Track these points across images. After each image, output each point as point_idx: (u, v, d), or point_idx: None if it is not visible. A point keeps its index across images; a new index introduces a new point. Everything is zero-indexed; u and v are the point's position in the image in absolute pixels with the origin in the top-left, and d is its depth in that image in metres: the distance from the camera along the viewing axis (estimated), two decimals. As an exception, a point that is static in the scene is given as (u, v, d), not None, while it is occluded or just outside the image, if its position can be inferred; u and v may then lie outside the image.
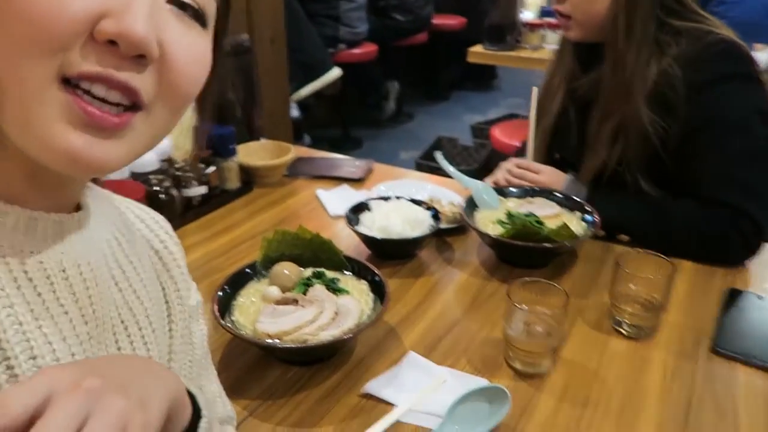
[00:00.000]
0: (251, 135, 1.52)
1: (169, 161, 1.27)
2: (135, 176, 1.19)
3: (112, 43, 0.36)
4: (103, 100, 0.38)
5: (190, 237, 1.20)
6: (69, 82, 0.37)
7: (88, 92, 0.37)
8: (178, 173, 1.25)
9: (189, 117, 1.41)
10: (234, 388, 0.79)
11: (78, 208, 0.49)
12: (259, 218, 1.29)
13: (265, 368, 0.83)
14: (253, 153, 1.44)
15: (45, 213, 0.43)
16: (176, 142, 1.30)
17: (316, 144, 3.38)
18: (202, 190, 1.27)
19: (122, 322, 0.50)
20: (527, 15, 2.71)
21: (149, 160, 1.21)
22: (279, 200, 1.37)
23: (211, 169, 1.31)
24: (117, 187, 1.07)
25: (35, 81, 0.36)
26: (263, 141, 1.54)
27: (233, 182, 1.35)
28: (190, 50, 0.42)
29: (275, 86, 1.99)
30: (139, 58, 0.38)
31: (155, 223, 0.61)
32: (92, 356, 0.45)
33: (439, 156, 1.24)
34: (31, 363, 0.41)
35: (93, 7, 0.36)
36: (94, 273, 0.47)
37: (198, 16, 0.43)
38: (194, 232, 1.23)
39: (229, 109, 1.46)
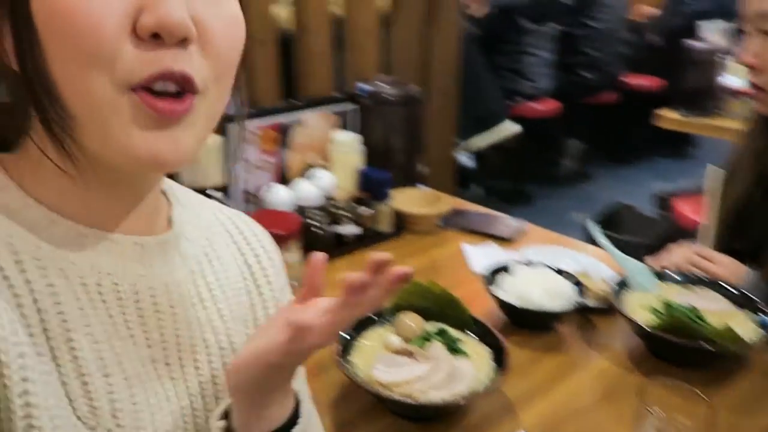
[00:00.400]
0: (411, 182, 1.57)
1: (330, 199, 1.36)
2: (298, 209, 1.30)
3: (155, 36, 0.38)
4: (162, 93, 0.39)
5: (338, 272, 1.26)
6: (133, 88, 0.39)
7: (148, 89, 0.39)
8: (335, 211, 1.33)
9: (354, 160, 1.50)
10: (342, 427, 0.81)
11: (168, 226, 0.51)
12: (404, 264, 1.31)
13: (376, 415, 0.84)
14: (410, 200, 1.48)
15: (125, 235, 0.46)
16: (340, 182, 1.39)
17: (485, 195, 3.37)
18: (355, 229, 1.34)
19: (204, 340, 0.51)
20: (731, 80, 2.45)
21: (314, 196, 1.31)
22: (426, 249, 1.39)
23: (367, 210, 1.38)
24: (277, 217, 1.18)
25: (102, 91, 0.38)
26: (422, 188, 1.58)
27: (385, 225, 1.40)
28: (223, 16, 0.42)
29: (442, 136, 2.04)
30: (183, 42, 0.39)
31: (253, 236, 0.61)
32: (155, 378, 0.47)
33: (592, 226, 1.17)
34: (104, 380, 0.43)
35: (128, 6, 0.37)
36: (170, 295, 0.48)
37: None
38: (342, 268, 1.28)
39: (391, 155, 1.53)
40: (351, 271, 1.44)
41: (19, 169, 0.43)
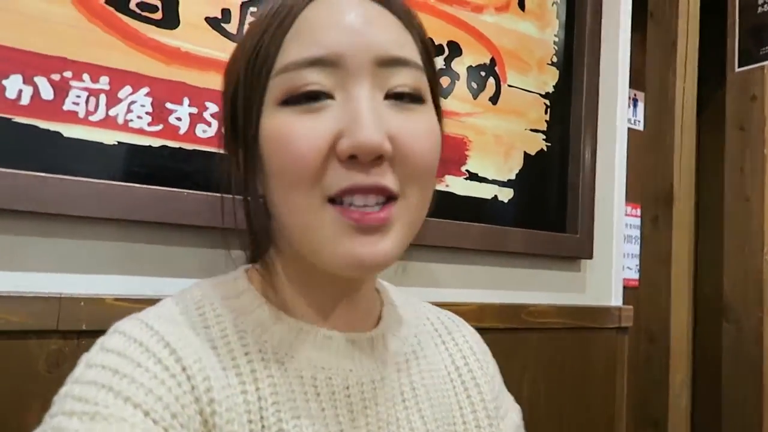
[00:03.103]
0: None
1: None
2: None
3: (352, 156, 0.43)
4: (365, 206, 0.44)
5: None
6: (334, 201, 0.44)
7: (351, 204, 0.44)
8: None
9: None
10: None
11: (378, 323, 0.54)
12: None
13: None
14: None
15: (339, 332, 0.50)
16: None
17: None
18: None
19: None
20: None
21: None
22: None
23: None
24: None
25: (308, 207, 0.44)
26: None
27: None
28: (416, 131, 0.46)
29: None
30: (378, 159, 0.43)
31: (462, 338, 0.61)
32: None
33: None
34: None
35: (329, 137, 0.43)
36: (376, 392, 0.50)
37: (414, 98, 0.46)
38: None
39: None
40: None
41: (257, 276, 0.52)
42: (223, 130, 0.53)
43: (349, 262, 0.44)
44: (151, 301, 0.66)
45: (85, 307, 0.63)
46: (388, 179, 0.44)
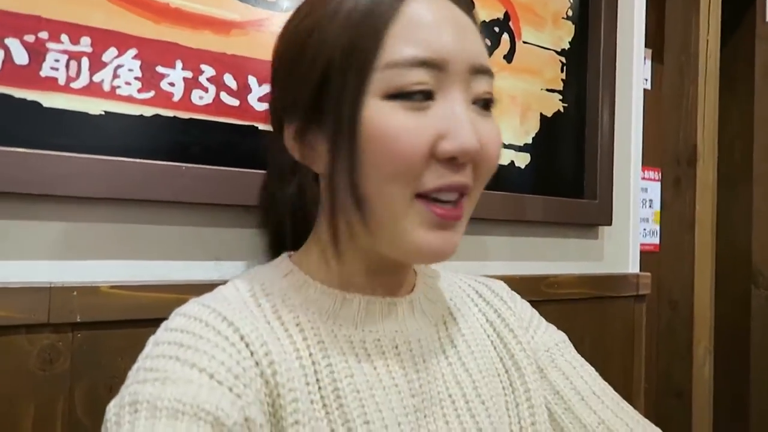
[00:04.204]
0: None
1: None
2: None
3: (452, 158, 0.45)
4: (448, 202, 0.47)
5: None
6: (420, 195, 0.47)
7: (437, 200, 0.47)
8: None
9: None
10: None
11: (413, 289, 0.57)
12: None
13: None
14: None
15: (381, 297, 0.53)
16: None
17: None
18: None
19: (450, 396, 0.53)
20: None
21: None
22: None
23: None
24: None
25: (399, 200, 0.46)
26: None
27: None
28: (492, 135, 0.49)
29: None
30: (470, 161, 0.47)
31: (490, 292, 0.64)
32: (416, 428, 0.50)
33: None
34: (365, 427, 0.47)
35: (432, 137, 0.45)
36: (422, 349, 0.53)
37: (489, 105, 0.49)
38: None
39: None
40: None
41: (299, 259, 0.55)
42: (271, 107, 0.55)
43: (425, 252, 0.48)
44: (151, 288, 0.61)
45: (78, 297, 0.57)
46: (470, 178, 0.48)
